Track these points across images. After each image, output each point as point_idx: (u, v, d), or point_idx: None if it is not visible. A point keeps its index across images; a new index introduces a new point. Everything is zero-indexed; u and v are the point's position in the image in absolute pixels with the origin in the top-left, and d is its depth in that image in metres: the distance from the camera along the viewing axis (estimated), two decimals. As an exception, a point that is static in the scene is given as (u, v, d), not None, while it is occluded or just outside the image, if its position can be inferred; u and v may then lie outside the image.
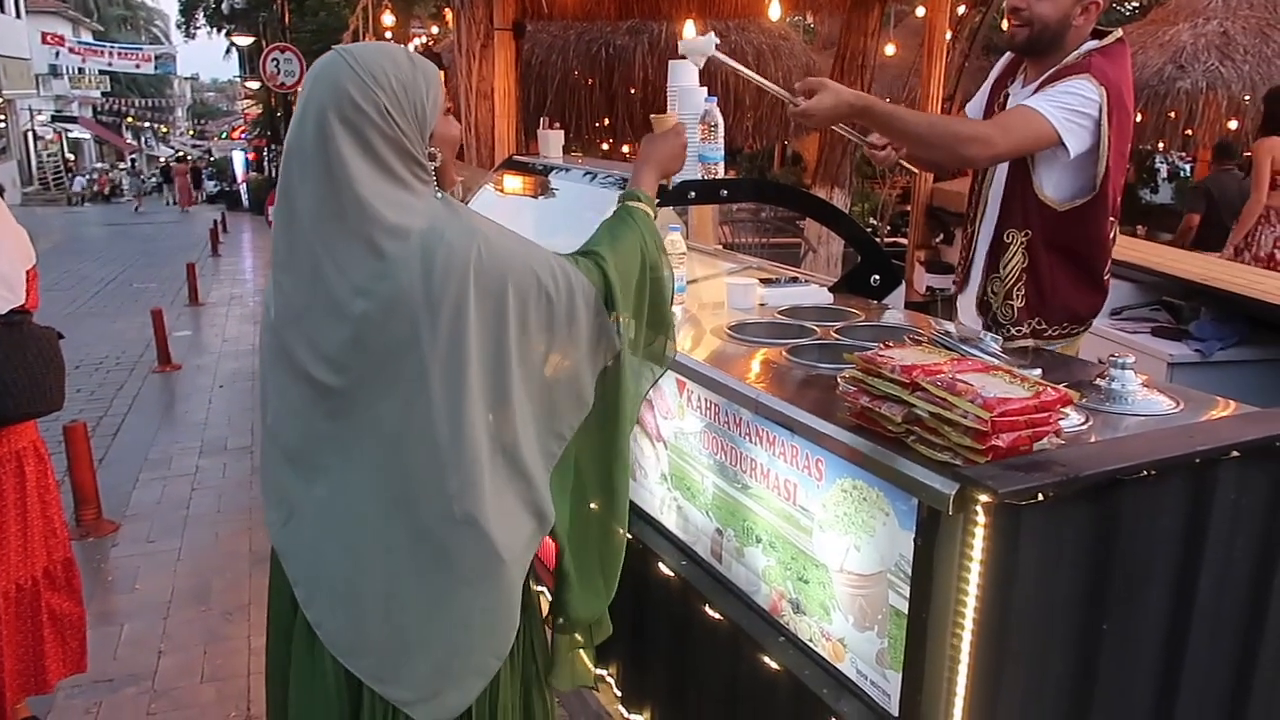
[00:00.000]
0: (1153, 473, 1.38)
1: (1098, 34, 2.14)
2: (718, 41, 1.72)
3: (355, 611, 1.37)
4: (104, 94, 34.95)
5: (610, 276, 1.48)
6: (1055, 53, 2.13)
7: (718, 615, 1.92)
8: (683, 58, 2.27)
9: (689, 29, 2.23)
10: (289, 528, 1.42)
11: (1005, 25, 2.19)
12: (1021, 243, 2.21)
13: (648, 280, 1.55)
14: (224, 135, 46.14)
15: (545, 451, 1.44)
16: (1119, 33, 2.12)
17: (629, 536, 1.68)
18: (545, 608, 1.66)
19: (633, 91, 8.62)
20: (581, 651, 1.68)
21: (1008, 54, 2.34)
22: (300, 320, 1.33)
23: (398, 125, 1.28)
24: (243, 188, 27.13)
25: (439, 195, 1.36)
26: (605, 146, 11.07)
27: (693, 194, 2.35)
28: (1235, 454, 1.46)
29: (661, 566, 2.12)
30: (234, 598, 3.62)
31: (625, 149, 11.22)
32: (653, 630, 2.19)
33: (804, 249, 5.99)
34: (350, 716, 1.40)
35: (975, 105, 2.48)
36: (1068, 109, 2.02)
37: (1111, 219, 2.20)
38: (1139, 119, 9.00)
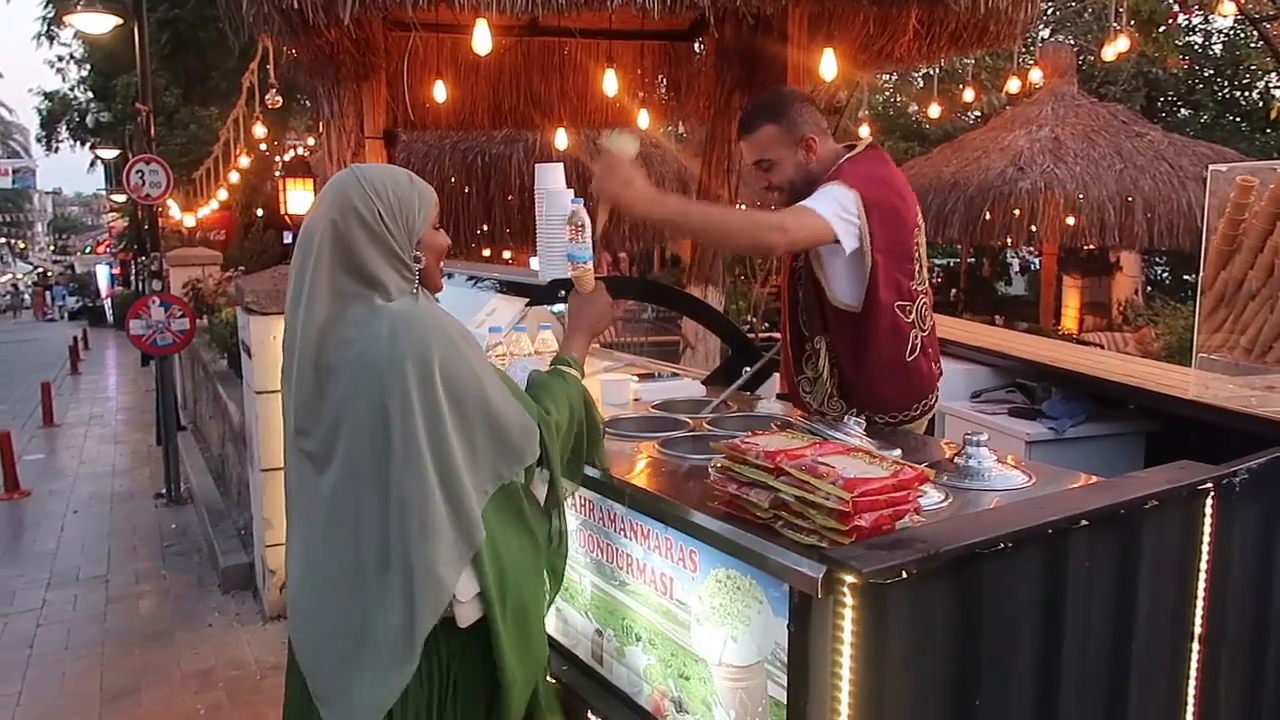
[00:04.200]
0: (1009, 545, 1.43)
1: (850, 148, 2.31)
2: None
3: (315, 650, 1.57)
4: (-46, 209, 33.31)
5: (544, 407, 1.67)
6: (817, 185, 2.24)
7: (600, 721, 1.86)
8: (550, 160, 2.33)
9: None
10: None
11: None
12: (821, 347, 2.33)
13: (572, 432, 1.74)
14: (88, 250, 44.38)
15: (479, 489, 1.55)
16: (867, 140, 2.32)
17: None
18: None
19: (510, 198, 8.74)
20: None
21: None
22: (288, 380, 1.57)
23: (387, 226, 1.53)
24: (107, 303, 26.00)
25: (416, 291, 1.57)
26: (486, 252, 11.14)
27: (563, 292, 2.37)
28: (1084, 523, 1.53)
29: (542, 673, 2.04)
30: (81, 743, 3.30)
31: (506, 254, 11.32)
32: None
33: (683, 345, 6.09)
34: None
35: None
36: (834, 202, 2.14)
37: (901, 303, 2.24)
38: (988, 217, 9.68)
